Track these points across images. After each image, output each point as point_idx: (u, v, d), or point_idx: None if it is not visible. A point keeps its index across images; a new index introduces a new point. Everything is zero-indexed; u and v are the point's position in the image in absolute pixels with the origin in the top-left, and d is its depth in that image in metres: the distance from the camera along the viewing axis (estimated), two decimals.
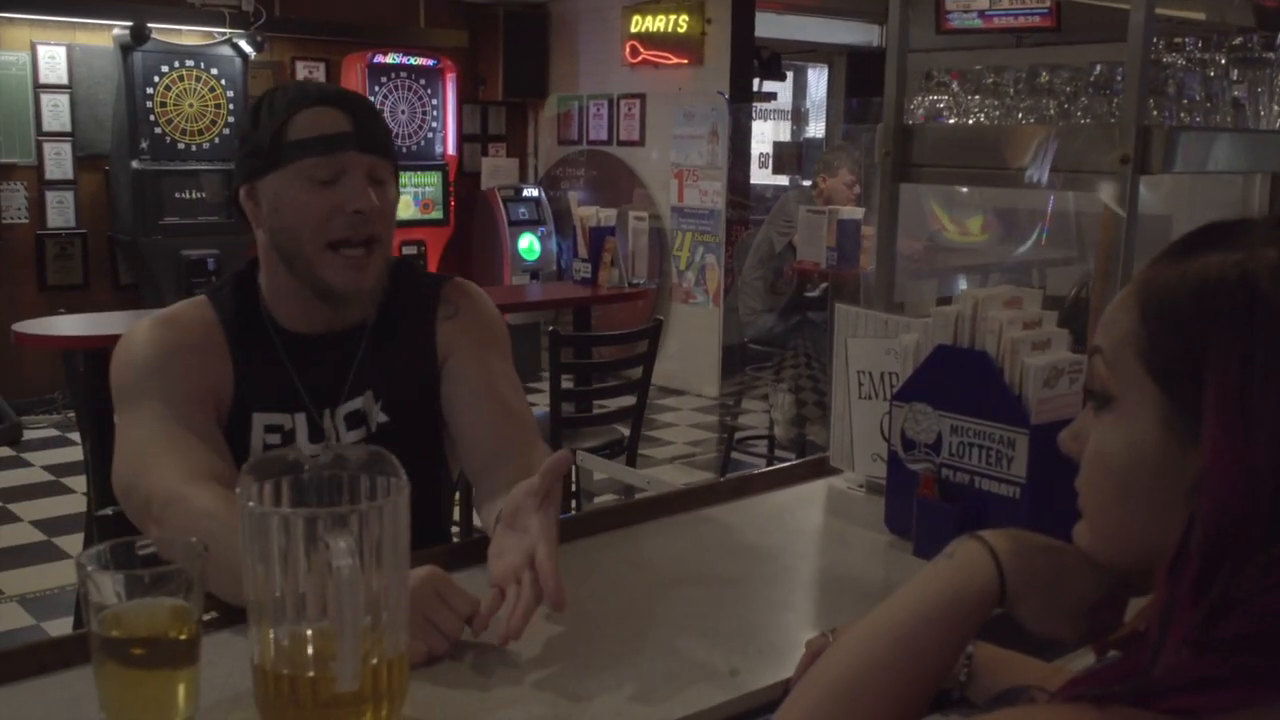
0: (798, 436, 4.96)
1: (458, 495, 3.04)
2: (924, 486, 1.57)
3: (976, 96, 2.11)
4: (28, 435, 6.36)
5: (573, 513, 3.44)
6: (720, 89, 7.46)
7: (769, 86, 8.86)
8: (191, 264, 6.65)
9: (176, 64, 6.67)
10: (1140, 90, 1.77)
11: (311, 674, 1.04)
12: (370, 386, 1.67)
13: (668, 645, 1.30)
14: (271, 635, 1.04)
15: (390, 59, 7.80)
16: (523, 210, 8.17)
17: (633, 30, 7.84)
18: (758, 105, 8.46)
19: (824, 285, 4.96)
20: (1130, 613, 0.85)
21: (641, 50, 7.82)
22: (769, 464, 4.98)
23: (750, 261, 5.39)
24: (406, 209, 7.53)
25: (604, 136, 8.23)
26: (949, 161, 2.11)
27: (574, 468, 3.20)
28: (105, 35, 6.73)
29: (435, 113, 8.00)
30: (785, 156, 6.62)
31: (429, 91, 7.97)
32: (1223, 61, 2.04)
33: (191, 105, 6.71)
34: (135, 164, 6.52)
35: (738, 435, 5.75)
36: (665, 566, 1.58)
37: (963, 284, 4.48)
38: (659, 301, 7.79)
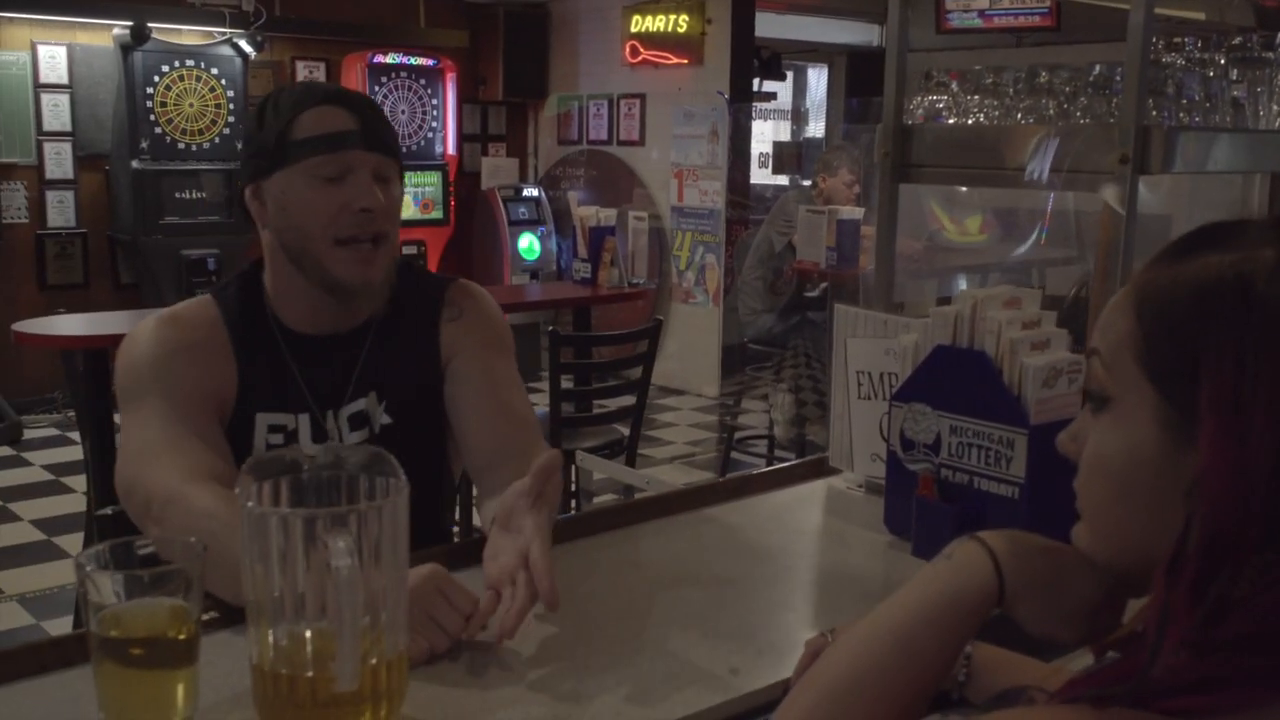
0: (797, 436, 4.97)
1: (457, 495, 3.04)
2: (923, 487, 1.57)
3: (976, 96, 2.11)
4: (28, 434, 6.36)
5: (572, 513, 3.44)
6: (720, 89, 7.46)
7: (769, 86, 8.86)
8: (192, 264, 6.65)
9: (177, 64, 6.67)
10: (1140, 90, 1.77)
11: (310, 674, 1.04)
12: (374, 388, 1.67)
13: (667, 645, 1.30)
14: (270, 635, 1.04)
15: (390, 59, 7.80)
16: (523, 210, 8.18)
17: (633, 30, 7.85)
18: (758, 105, 8.47)
19: (824, 285, 4.96)
20: (1129, 613, 0.85)
21: (641, 50, 7.82)
22: (769, 464, 4.98)
23: (750, 261, 5.39)
24: (406, 209, 7.52)
25: (604, 136, 8.23)
26: (948, 161, 2.11)
27: (574, 468, 3.20)
28: (105, 35, 6.73)
29: (435, 112, 8.00)
30: (785, 156, 6.63)
31: (429, 91, 7.97)
32: (1222, 61, 2.04)
33: (192, 105, 6.71)
34: (135, 164, 6.52)
35: (737, 435, 5.75)
36: (665, 566, 1.58)
37: (963, 284, 4.48)
38: (659, 301, 7.79)
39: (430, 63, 7.95)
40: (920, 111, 2.18)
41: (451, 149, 8.10)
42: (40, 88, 6.68)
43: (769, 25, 8.02)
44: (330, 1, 7.62)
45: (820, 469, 1.95)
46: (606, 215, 5.17)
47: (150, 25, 6.53)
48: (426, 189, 7.90)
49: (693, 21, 7.51)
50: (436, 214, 7.94)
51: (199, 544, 1.08)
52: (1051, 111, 2.03)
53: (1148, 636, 0.72)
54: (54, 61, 6.70)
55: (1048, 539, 0.91)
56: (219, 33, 6.92)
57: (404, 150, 7.64)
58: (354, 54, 7.70)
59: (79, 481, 5.26)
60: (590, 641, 1.30)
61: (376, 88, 7.67)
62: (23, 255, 6.75)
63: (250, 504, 1.03)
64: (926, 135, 2.12)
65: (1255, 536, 0.69)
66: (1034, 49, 6.25)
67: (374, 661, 1.04)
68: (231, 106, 6.85)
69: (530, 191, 8.35)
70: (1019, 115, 2.07)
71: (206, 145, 6.77)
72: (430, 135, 7.99)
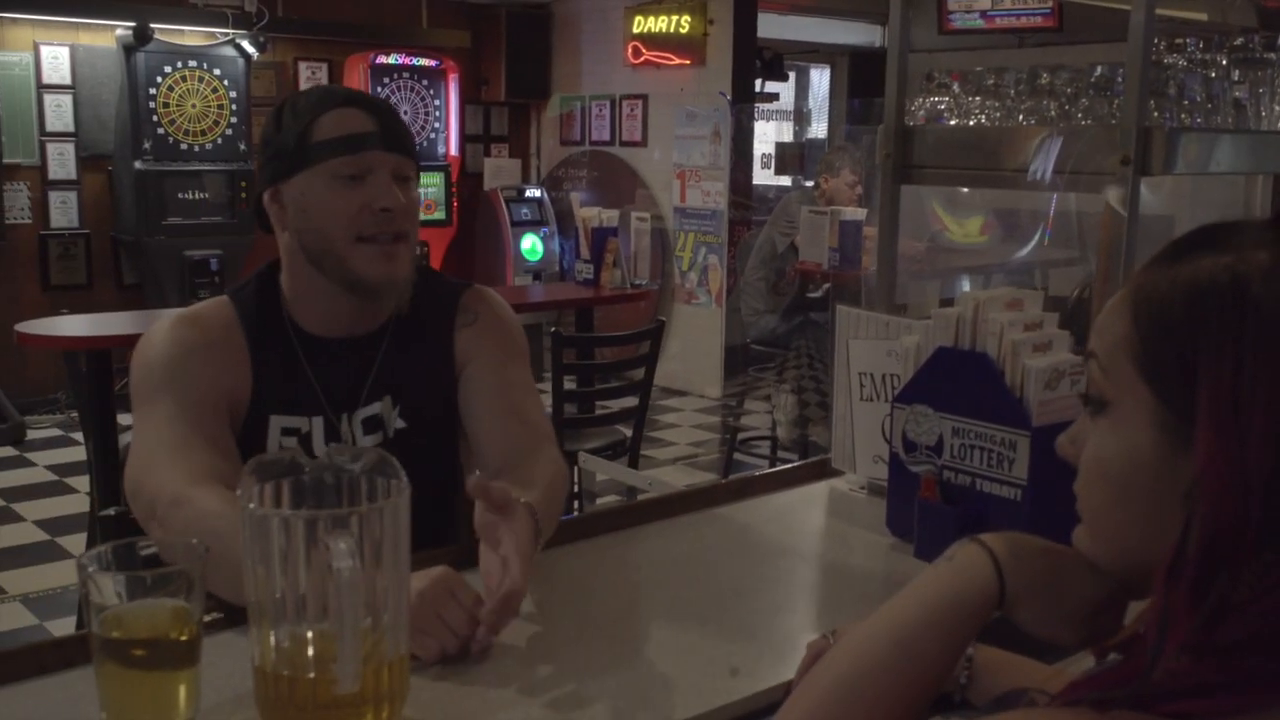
0: (800, 438, 4.96)
1: None
2: (925, 488, 1.57)
3: (977, 98, 2.11)
4: (31, 435, 6.37)
5: (575, 514, 3.44)
6: (722, 89, 7.46)
7: (771, 87, 8.85)
8: (194, 264, 6.66)
9: (179, 64, 6.68)
10: (1141, 91, 1.77)
11: (312, 675, 1.04)
12: (389, 392, 1.67)
13: (669, 646, 1.30)
14: (272, 637, 1.04)
15: (393, 59, 7.81)
16: (525, 211, 8.18)
17: (635, 31, 7.85)
18: (760, 106, 8.46)
19: (826, 286, 4.96)
20: (1130, 615, 0.85)
21: (644, 51, 7.82)
22: (771, 465, 4.98)
23: (752, 262, 5.39)
24: None
25: (606, 137, 8.23)
26: (950, 163, 2.11)
27: (576, 469, 3.20)
28: (108, 35, 6.74)
29: (438, 113, 8.00)
30: (787, 157, 6.62)
31: (431, 92, 7.98)
32: (1224, 62, 2.04)
33: (194, 106, 6.71)
34: (138, 164, 6.53)
35: (740, 436, 5.74)
36: (667, 568, 1.58)
37: (965, 285, 4.48)
38: (661, 302, 7.79)
39: (433, 63, 7.95)
40: (922, 113, 2.19)
41: (454, 150, 8.10)
42: (43, 88, 6.69)
43: (771, 26, 8.02)
44: (333, 2, 7.63)
45: (823, 470, 1.95)
46: (609, 216, 5.17)
47: (153, 26, 6.54)
48: (429, 190, 7.90)
49: (695, 22, 7.51)
50: (439, 215, 7.93)
51: (201, 545, 1.08)
52: (1053, 113, 2.03)
53: (1148, 639, 0.72)
54: (57, 62, 6.71)
55: (1048, 541, 0.91)
56: (222, 33, 6.92)
57: None
58: (356, 55, 7.70)
59: (82, 482, 5.26)
60: (592, 643, 1.30)
61: (379, 88, 7.67)
62: (26, 256, 6.76)
63: (252, 505, 1.03)
64: (928, 136, 2.12)
65: (1253, 538, 0.69)
66: (1036, 50, 6.23)
67: (375, 663, 1.04)
68: (234, 107, 6.85)
69: (533, 192, 8.35)
70: (1020, 116, 2.07)
71: (209, 146, 6.78)
72: (433, 136, 8.00)
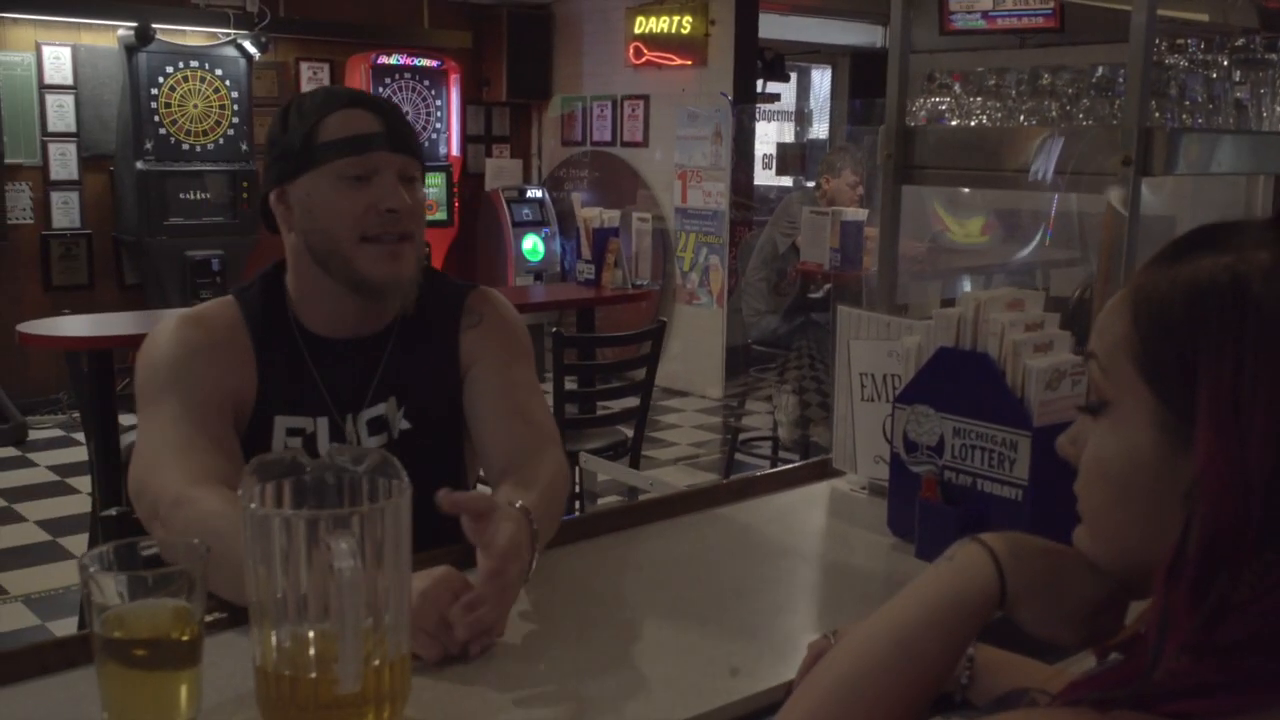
0: (801, 438, 4.96)
1: None
2: (926, 489, 1.57)
3: (978, 98, 2.11)
4: (33, 435, 6.37)
5: (576, 514, 3.44)
6: (724, 90, 7.46)
7: (772, 87, 8.85)
8: (196, 264, 6.66)
9: (181, 64, 6.68)
10: (1142, 92, 1.77)
11: (313, 675, 1.04)
12: (394, 393, 1.67)
13: (670, 647, 1.30)
14: (273, 637, 1.04)
15: (394, 60, 7.81)
16: (526, 211, 8.18)
17: (636, 31, 7.85)
18: (761, 106, 8.46)
19: (827, 286, 4.96)
20: (1131, 615, 0.85)
21: (645, 51, 7.82)
22: (773, 465, 4.98)
23: (754, 263, 5.39)
24: None
25: (608, 137, 8.24)
26: (951, 163, 2.11)
27: (577, 469, 3.20)
28: (110, 36, 6.74)
29: (439, 114, 8.00)
30: (789, 157, 6.62)
31: (433, 92, 7.98)
32: (1225, 63, 2.04)
33: (196, 106, 6.72)
34: (140, 164, 6.53)
35: (741, 437, 5.75)
36: (668, 568, 1.58)
37: (966, 286, 4.48)
38: (662, 303, 7.79)
39: (434, 64, 7.95)
40: (923, 113, 2.19)
41: (455, 150, 8.10)
42: (45, 89, 6.69)
43: (772, 26, 8.02)
44: (334, 2, 7.63)
45: (824, 471, 1.95)
46: (610, 216, 5.17)
47: (155, 26, 6.54)
48: (430, 190, 7.89)
49: (696, 23, 7.51)
50: (440, 215, 7.93)
51: (202, 545, 1.08)
52: (1054, 113, 2.03)
53: (1149, 639, 0.72)
54: (59, 62, 6.71)
55: (1049, 541, 0.91)
56: (223, 34, 6.93)
57: None
58: (358, 55, 7.70)
59: (84, 483, 5.26)
60: (593, 643, 1.30)
61: (380, 89, 7.67)
62: (28, 256, 6.76)
63: (253, 505, 1.03)
64: (930, 137, 2.12)
65: (1253, 539, 0.69)
66: (1037, 50, 6.24)
67: (376, 663, 1.04)
68: (236, 108, 6.86)
69: (534, 193, 8.35)
70: (1022, 117, 2.07)
71: (210, 146, 6.78)
72: (434, 136, 8.00)
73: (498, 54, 8.28)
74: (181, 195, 6.67)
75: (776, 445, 5.36)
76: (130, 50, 6.54)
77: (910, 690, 0.88)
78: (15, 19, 6.54)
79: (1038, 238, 4.29)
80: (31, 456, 6.06)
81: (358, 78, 7.63)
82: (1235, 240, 0.76)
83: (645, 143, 8.00)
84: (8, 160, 6.53)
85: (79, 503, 5.18)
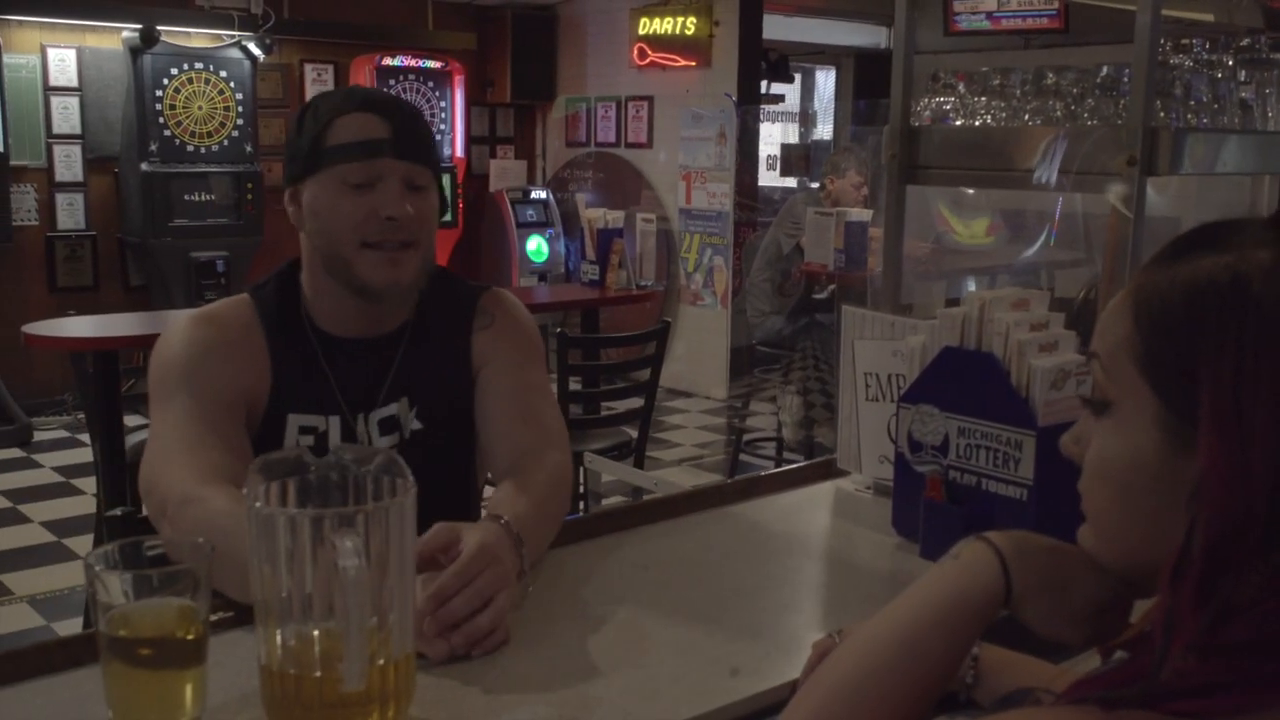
0: (806, 438, 4.96)
1: None
2: (931, 488, 1.57)
3: (983, 98, 2.11)
4: (38, 436, 6.38)
5: (580, 514, 3.44)
6: (728, 91, 7.46)
7: (776, 88, 8.86)
8: (201, 266, 6.67)
9: (185, 66, 6.69)
10: (1147, 92, 1.77)
11: (318, 674, 1.04)
12: (406, 393, 1.67)
13: (674, 646, 1.30)
14: (278, 635, 1.04)
15: (398, 61, 7.82)
16: (530, 212, 8.18)
17: (640, 32, 7.85)
18: (765, 107, 8.47)
19: (831, 287, 4.96)
20: (1136, 613, 0.85)
21: (649, 52, 7.83)
22: (777, 466, 4.97)
23: (758, 263, 5.39)
24: None
25: (612, 138, 8.24)
26: (956, 163, 2.11)
27: (582, 470, 3.20)
28: (115, 38, 6.75)
29: (443, 115, 8.01)
30: (793, 158, 6.63)
31: (437, 94, 7.99)
32: (1230, 63, 2.04)
33: (200, 108, 6.73)
34: (144, 166, 6.54)
35: (746, 437, 5.75)
36: (672, 568, 1.58)
37: (971, 286, 4.48)
38: (667, 303, 7.79)
39: (438, 65, 7.96)
40: (927, 113, 2.18)
41: (459, 151, 8.11)
42: (50, 90, 6.70)
43: (776, 27, 8.02)
44: (338, 4, 7.64)
45: (828, 471, 1.95)
46: (614, 217, 5.18)
47: (159, 28, 6.55)
48: None
49: (700, 24, 7.51)
50: (445, 216, 7.93)
51: (207, 544, 1.08)
52: (1059, 113, 2.03)
53: (1154, 639, 0.72)
54: (63, 64, 6.72)
55: (1054, 540, 0.90)
56: (228, 35, 6.94)
57: None
58: (362, 56, 7.71)
59: (89, 483, 5.26)
60: (597, 642, 1.30)
61: (384, 90, 7.68)
62: (33, 257, 6.78)
63: (258, 504, 1.03)
64: (934, 137, 2.12)
65: (1256, 539, 0.69)
66: (1042, 51, 6.24)
67: (381, 662, 1.04)
68: (240, 109, 6.87)
69: (538, 194, 8.36)
70: (1026, 117, 2.07)
71: (215, 148, 6.79)
72: (438, 138, 8.00)
73: (502, 55, 8.29)
74: (186, 197, 6.68)
75: (781, 446, 5.36)
76: (135, 52, 6.55)
77: (915, 689, 0.88)
78: (20, 21, 6.55)
79: (1042, 238, 4.29)
80: (36, 457, 6.07)
81: (362, 79, 7.64)
82: (1235, 239, 0.75)
83: (649, 144, 8.00)
84: (13, 162, 6.54)
85: (84, 504, 5.18)
